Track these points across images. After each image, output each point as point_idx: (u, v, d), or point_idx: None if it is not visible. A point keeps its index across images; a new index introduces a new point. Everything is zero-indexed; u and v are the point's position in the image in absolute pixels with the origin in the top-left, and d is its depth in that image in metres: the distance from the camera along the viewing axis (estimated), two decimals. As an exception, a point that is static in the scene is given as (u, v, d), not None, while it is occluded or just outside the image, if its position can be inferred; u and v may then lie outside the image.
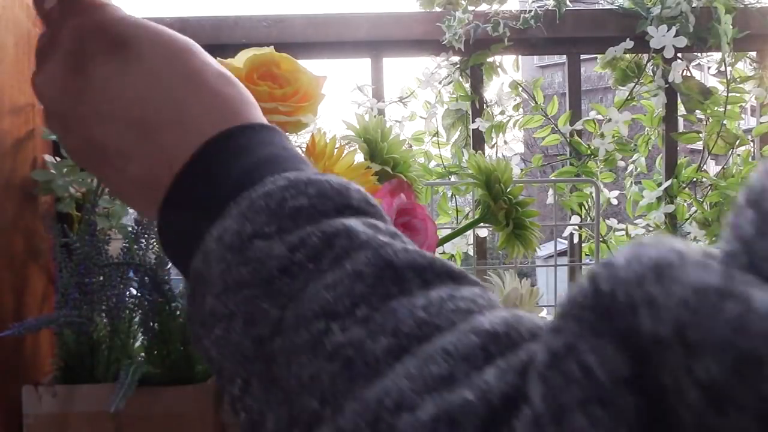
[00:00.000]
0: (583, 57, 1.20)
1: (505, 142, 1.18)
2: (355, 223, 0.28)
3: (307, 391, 0.24)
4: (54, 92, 0.36)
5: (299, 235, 0.28)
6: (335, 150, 0.58)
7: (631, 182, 1.21)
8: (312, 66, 0.58)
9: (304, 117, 0.56)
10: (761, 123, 1.15)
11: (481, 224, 0.76)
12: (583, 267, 1.18)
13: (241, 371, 0.27)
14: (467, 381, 0.21)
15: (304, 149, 0.58)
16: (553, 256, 1.00)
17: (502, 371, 0.21)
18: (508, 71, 1.16)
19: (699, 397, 0.16)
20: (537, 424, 0.19)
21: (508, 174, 0.70)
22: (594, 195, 1.08)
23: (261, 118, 0.36)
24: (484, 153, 1.15)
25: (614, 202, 1.17)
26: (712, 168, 1.18)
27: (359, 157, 0.63)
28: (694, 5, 1.08)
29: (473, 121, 1.13)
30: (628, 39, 1.08)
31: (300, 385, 0.25)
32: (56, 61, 0.36)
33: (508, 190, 0.70)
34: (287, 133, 0.58)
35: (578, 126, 1.15)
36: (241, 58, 0.56)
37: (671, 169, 1.15)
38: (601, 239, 1.11)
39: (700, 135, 1.15)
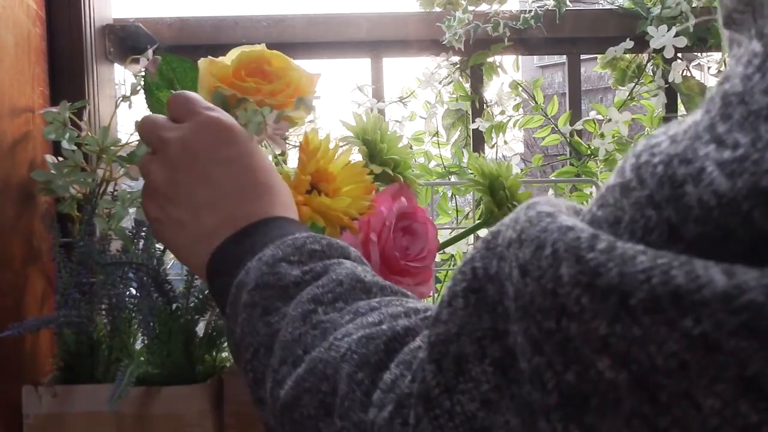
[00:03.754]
0: (583, 57, 1.20)
1: (505, 142, 1.18)
2: (347, 261, 0.41)
3: (296, 344, 0.37)
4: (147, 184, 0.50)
5: (310, 265, 0.41)
6: (329, 149, 0.58)
7: (631, 182, 1.21)
8: (312, 66, 0.58)
9: (293, 112, 0.56)
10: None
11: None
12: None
13: (254, 342, 0.39)
14: (387, 323, 0.34)
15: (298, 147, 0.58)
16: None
17: (411, 320, 0.34)
18: (508, 71, 1.16)
19: (517, 273, 0.24)
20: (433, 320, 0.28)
21: (514, 179, 0.70)
22: (594, 195, 1.07)
23: (289, 209, 0.48)
24: (484, 153, 1.15)
25: (614, 202, 1.17)
26: (712, 168, 1.18)
27: (356, 158, 0.63)
28: (694, 5, 1.08)
29: (473, 121, 1.13)
30: (628, 39, 1.08)
31: (292, 340, 0.37)
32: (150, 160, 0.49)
33: (512, 195, 0.69)
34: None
35: (578, 126, 1.15)
36: (231, 56, 0.56)
37: (671, 169, 1.15)
38: (601, 239, 1.11)
39: (700, 135, 1.15)
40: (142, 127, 0.50)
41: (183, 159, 0.47)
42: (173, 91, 0.69)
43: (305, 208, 0.54)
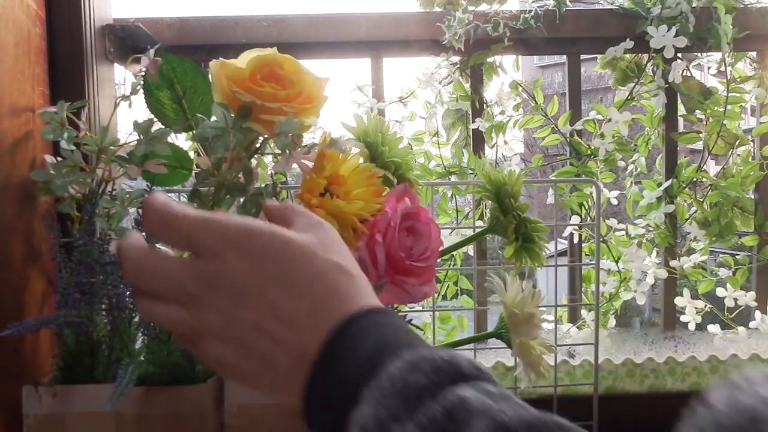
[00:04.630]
0: (583, 57, 1.20)
1: (505, 142, 1.18)
2: (469, 392, 0.32)
3: None
4: (177, 322, 0.38)
5: (425, 413, 0.31)
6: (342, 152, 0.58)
7: (631, 182, 1.21)
8: (312, 66, 0.58)
9: (307, 119, 0.56)
10: (761, 123, 1.15)
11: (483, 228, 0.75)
12: (583, 267, 1.18)
13: None
14: None
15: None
16: (553, 256, 1.00)
17: None
18: (508, 71, 1.16)
19: None
20: None
21: (518, 187, 0.70)
22: (594, 195, 1.07)
23: (369, 295, 0.39)
24: (484, 153, 1.15)
25: (614, 202, 1.17)
26: (712, 168, 1.18)
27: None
28: (694, 5, 1.08)
29: (473, 121, 1.13)
30: (628, 39, 1.08)
31: None
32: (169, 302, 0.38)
33: (516, 204, 0.69)
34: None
35: (578, 126, 1.15)
36: (245, 59, 0.56)
37: (671, 169, 1.15)
38: (601, 239, 1.11)
39: (700, 135, 1.15)
40: (136, 285, 0.39)
41: (228, 301, 0.37)
42: (173, 91, 0.69)
43: (319, 210, 0.55)
